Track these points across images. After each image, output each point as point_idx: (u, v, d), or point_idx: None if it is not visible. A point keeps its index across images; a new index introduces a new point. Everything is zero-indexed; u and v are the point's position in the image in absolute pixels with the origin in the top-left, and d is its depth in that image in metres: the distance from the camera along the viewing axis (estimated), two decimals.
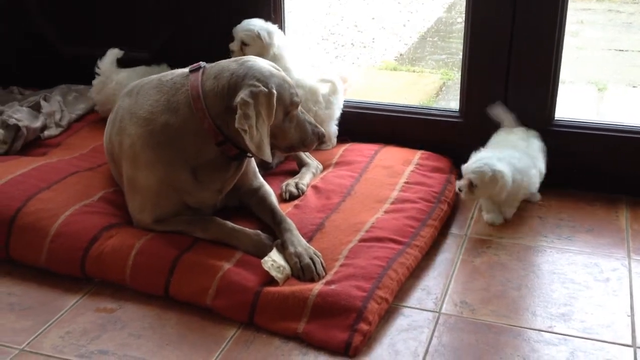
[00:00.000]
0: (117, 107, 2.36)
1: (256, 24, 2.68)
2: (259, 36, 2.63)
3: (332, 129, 2.84)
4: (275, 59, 2.62)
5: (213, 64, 2.18)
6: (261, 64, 2.13)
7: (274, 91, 2.05)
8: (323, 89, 2.79)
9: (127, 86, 2.42)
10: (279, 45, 2.69)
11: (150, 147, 2.15)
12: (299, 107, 2.18)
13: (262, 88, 2.03)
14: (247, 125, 2.00)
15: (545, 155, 2.54)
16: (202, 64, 2.19)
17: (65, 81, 3.26)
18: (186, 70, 2.21)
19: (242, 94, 2.02)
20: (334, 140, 2.85)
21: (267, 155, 2.06)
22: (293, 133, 2.17)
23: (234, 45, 2.70)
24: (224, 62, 2.16)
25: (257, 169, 2.39)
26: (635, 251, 2.29)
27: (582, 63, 4.55)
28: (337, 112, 2.84)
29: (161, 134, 2.14)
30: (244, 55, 2.66)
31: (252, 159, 2.33)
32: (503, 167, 2.33)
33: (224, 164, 2.18)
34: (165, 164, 2.15)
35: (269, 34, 2.65)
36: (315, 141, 2.22)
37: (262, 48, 2.64)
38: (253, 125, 2.00)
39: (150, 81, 2.27)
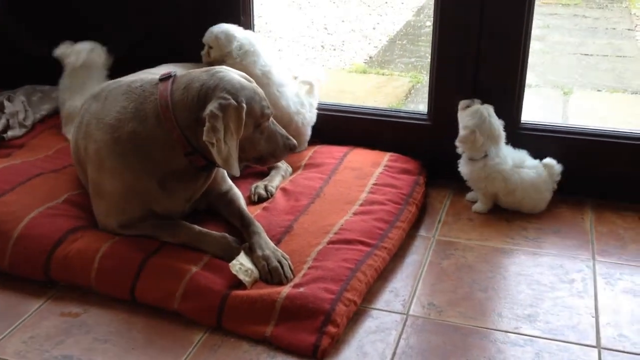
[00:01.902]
0: (82, 110, 2.32)
1: (219, 27, 2.65)
2: (217, 38, 2.62)
3: (308, 133, 2.83)
4: (252, 55, 2.62)
5: (184, 74, 2.14)
6: (232, 75, 2.10)
7: (244, 105, 2.02)
8: (301, 90, 2.79)
9: (96, 88, 2.37)
10: (246, 43, 2.66)
11: (116, 155, 2.12)
12: (270, 119, 2.16)
13: (232, 101, 2.00)
14: (215, 138, 1.96)
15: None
16: (173, 72, 2.16)
17: (30, 81, 3.21)
18: (156, 77, 2.18)
19: (211, 106, 1.99)
20: (305, 144, 2.84)
21: (235, 170, 2.03)
22: (263, 145, 2.15)
23: (203, 51, 2.69)
24: (194, 72, 2.13)
25: (225, 173, 2.37)
26: (600, 253, 2.33)
27: (548, 67, 4.61)
28: (314, 115, 2.83)
29: (128, 142, 2.11)
30: (211, 57, 2.66)
31: None
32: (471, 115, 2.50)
33: (192, 174, 2.15)
34: (131, 172, 2.12)
35: (227, 36, 2.63)
36: (286, 153, 2.20)
37: (223, 48, 2.63)
38: (221, 139, 1.97)
39: (119, 87, 2.23)
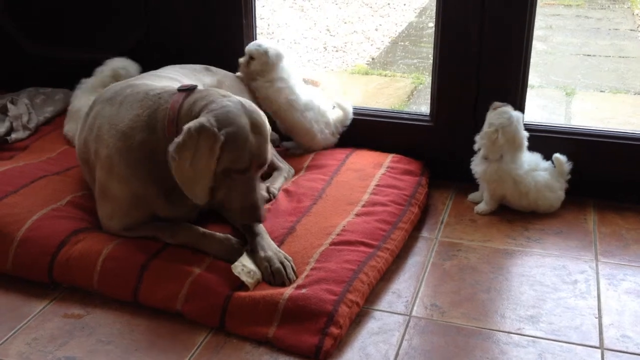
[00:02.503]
0: (95, 112, 2.30)
1: (268, 43, 2.71)
2: (266, 53, 2.67)
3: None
4: (281, 81, 2.69)
5: (203, 89, 2.12)
6: (237, 110, 1.99)
7: (222, 137, 1.93)
8: (333, 114, 2.82)
9: (108, 90, 2.35)
10: (286, 68, 2.72)
11: (127, 163, 2.13)
12: (254, 182, 2.02)
13: (215, 128, 1.93)
14: (177, 154, 1.93)
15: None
16: (193, 85, 2.13)
17: (32, 83, 3.22)
18: (174, 87, 2.16)
19: (192, 123, 1.95)
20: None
21: (196, 197, 1.99)
22: (224, 192, 2.02)
23: (242, 59, 2.73)
24: (212, 91, 2.10)
25: None
26: (603, 254, 2.32)
27: (550, 68, 4.60)
28: (336, 139, 2.84)
29: (138, 151, 2.11)
30: (250, 69, 2.70)
31: None
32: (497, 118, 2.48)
33: None
34: (139, 180, 2.12)
35: (277, 55, 2.69)
36: (243, 220, 2.07)
37: (266, 65, 2.68)
38: (186, 159, 1.93)
39: (136, 93, 2.20)
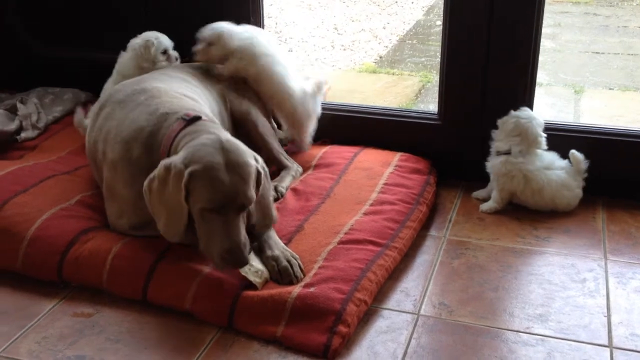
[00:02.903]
0: (105, 113, 2.30)
1: (221, 24, 2.63)
2: (221, 36, 2.59)
3: (310, 130, 2.80)
4: (242, 61, 2.61)
5: (199, 123, 2.07)
6: (212, 147, 1.93)
7: (185, 173, 1.88)
8: (307, 87, 2.77)
9: (120, 91, 2.34)
10: (266, 45, 2.65)
11: (129, 171, 2.14)
12: (231, 223, 1.91)
13: (181, 166, 1.89)
14: (149, 188, 1.95)
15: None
16: (198, 117, 2.10)
17: (41, 84, 3.23)
18: (180, 113, 2.13)
19: (165, 160, 1.94)
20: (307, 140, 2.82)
21: (167, 234, 1.98)
22: (202, 236, 1.96)
23: (199, 46, 2.63)
24: (205, 126, 2.05)
25: None
26: (611, 252, 2.32)
27: (559, 65, 4.59)
28: (318, 112, 2.81)
29: (137, 164, 2.12)
30: (209, 56, 2.62)
31: None
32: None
33: None
34: (141, 186, 2.12)
35: (231, 35, 2.60)
36: (224, 266, 1.94)
37: (225, 49, 2.60)
38: (156, 194, 1.94)
39: (148, 105, 2.20)
